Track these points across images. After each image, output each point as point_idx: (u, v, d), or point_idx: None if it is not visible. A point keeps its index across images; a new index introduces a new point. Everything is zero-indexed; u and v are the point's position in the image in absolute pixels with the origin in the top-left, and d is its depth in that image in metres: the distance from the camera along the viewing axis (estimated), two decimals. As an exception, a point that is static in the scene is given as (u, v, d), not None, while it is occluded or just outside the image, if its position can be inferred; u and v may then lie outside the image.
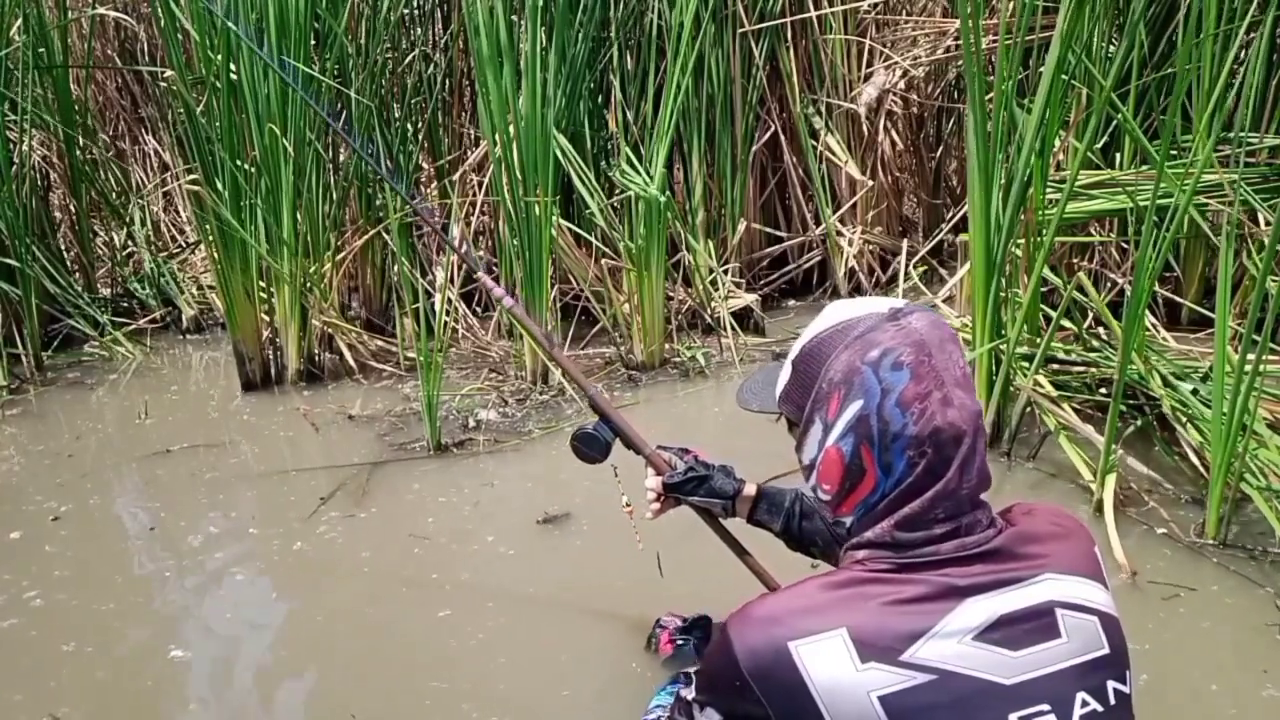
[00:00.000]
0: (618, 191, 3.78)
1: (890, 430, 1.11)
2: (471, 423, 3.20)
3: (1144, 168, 3.22)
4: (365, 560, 2.42)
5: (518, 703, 1.85)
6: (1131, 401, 2.73)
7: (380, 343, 3.86)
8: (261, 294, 3.62)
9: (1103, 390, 2.82)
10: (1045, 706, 1.05)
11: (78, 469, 3.01)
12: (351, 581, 2.34)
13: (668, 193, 3.65)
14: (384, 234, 3.91)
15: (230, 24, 3.09)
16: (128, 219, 4.82)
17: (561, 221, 3.66)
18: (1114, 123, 3.37)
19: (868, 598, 1.09)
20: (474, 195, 4.02)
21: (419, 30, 4.28)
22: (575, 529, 2.51)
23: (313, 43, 3.57)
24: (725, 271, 4.04)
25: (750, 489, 1.73)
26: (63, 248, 4.49)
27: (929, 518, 1.12)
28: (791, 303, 4.44)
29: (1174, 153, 3.07)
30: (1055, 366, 2.94)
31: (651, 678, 1.84)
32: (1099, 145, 3.41)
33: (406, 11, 4.18)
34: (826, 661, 1.05)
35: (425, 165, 4.43)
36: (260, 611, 2.27)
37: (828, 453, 1.17)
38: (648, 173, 3.64)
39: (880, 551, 1.14)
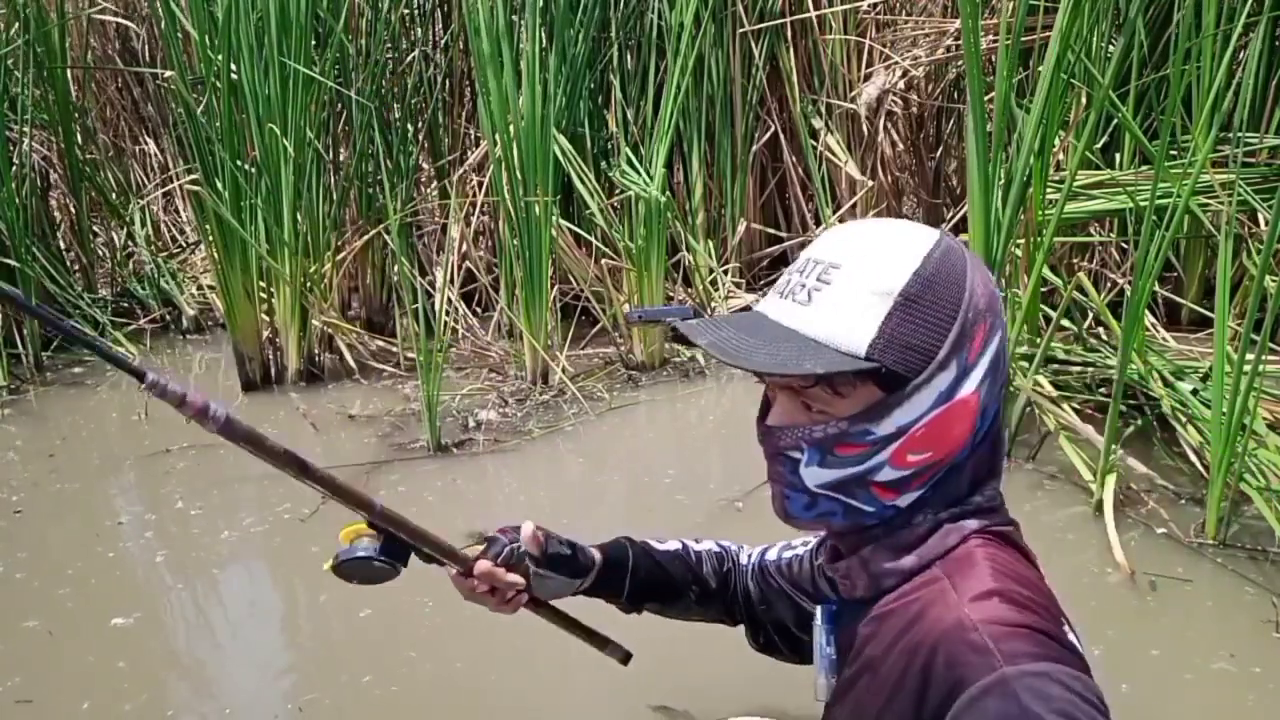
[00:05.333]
0: (618, 191, 3.78)
1: (1005, 365, 1.00)
2: (471, 423, 3.20)
3: (1144, 168, 3.22)
4: (318, 555, 2.42)
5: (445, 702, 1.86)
6: (1131, 401, 2.73)
7: (380, 343, 3.86)
8: (261, 294, 3.62)
9: (1103, 390, 2.82)
10: None
11: (58, 467, 3.02)
12: (314, 579, 2.34)
13: (668, 193, 3.65)
14: (384, 234, 3.91)
15: None
16: (128, 219, 4.82)
17: (561, 221, 3.66)
18: (1114, 122, 3.37)
19: (1039, 585, 0.97)
20: (474, 195, 4.02)
21: (419, 30, 4.28)
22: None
23: (313, 43, 3.58)
24: (725, 271, 4.05)
25: (596, 554, 1.34)
26: (63, 248, 4.50)
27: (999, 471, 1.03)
28: (791, 303, 4.43)
29: (1173, 152, 3.07)
30: (1055, 367, 2.94)
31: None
32: (1099, 145, 3.41)
33: (406, 11, 4.18)
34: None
35: (425, 165, 4.44)
36: (219, 603, 2.30)
37: (956, 405, 0.96)
38: (648, 173, 3.64)
39: (992, 520, 1.01)
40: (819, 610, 1.15)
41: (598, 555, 1.35)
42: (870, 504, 1.00)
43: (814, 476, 0.99)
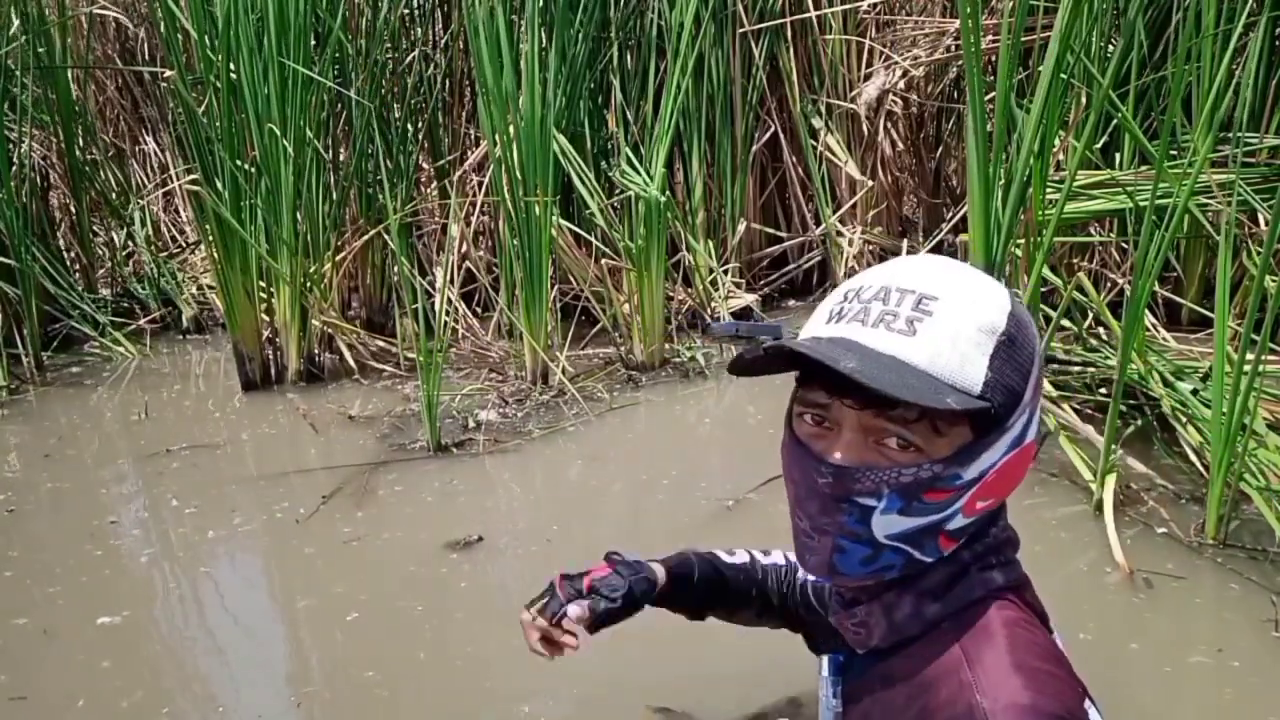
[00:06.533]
0: (618, 191, 3.78)
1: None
2: (471, 423, 3.20)
3: (1144, 168, 3.22)
4: (311, 556, 2.44)
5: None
6: (1131, 401, 2.73)
7: (380, 343, 3.86)
8: (261, 294, 3.62)
9: (1103, 390, 2.82)
10: None
11: (54, 466, 3.02)
12: (306, 580, 2.35)
13: (668, 193, 3.65)
14: (384, 234, 3.91)
15: None
16: (128, 219, 4.82)
17: (561, 221, 3.66)
18: (1114, 122, 3.37)
19: (1059, 656, 0.92)
20: (474, 195, 4.02)
21: (419, 30, 4.29)
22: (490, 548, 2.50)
23: (313, 43, 3.58)
24: (725, 271, 4.05)
25: (660, 572, 1.38)
26: (63, 248, 4.50)
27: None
28: (791, 303, 4.43)
29: (1173, 152, 3.07)
30: (1055, 367, 2.94)
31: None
32: (1098, 145, 3.41)
33: (406, 11, 4.18)
34: None
35: (425, 165, 4.44)
36: (210, 601, 2.31)
37: (1025, 449, 0.94)
38: (648, 173, 3.64)
39: (1014, 573, 0.97)
40: (824, 661, 1.09)
41: (661, 575, 1.38)
42: (933, 554, 0.92)
43: (887, 526, 0.90)
